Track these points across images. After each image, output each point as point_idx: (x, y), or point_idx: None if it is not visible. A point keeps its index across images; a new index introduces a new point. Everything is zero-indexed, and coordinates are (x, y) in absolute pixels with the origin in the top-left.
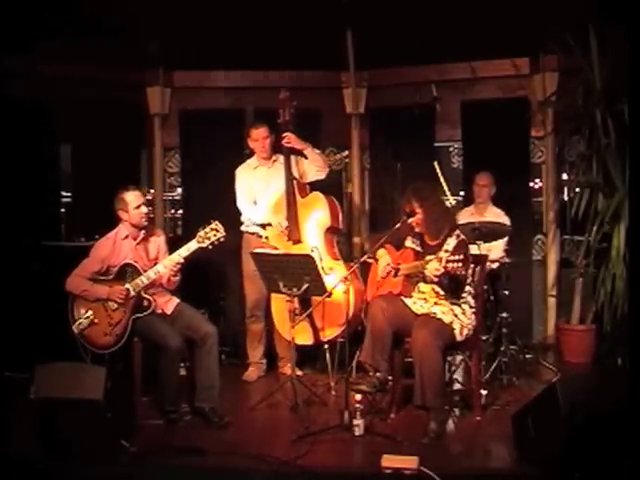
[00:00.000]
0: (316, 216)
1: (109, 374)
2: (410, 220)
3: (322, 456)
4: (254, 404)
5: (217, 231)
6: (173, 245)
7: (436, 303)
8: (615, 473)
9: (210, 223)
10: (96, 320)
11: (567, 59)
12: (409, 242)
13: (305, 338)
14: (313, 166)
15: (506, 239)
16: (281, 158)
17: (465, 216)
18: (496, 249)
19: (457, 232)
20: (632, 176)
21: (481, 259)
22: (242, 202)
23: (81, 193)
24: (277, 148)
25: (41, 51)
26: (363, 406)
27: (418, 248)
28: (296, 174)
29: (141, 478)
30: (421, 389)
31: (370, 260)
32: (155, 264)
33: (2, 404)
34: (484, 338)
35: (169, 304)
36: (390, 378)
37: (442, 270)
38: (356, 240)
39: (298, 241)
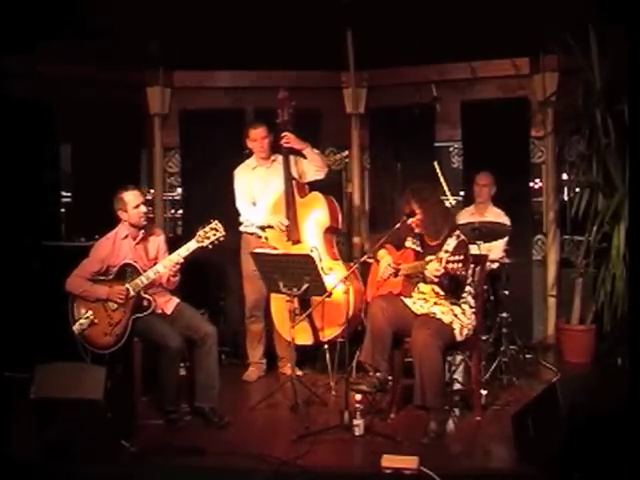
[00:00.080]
0: (315, 216)
1: (109, 374)
2: (410, 221)
3: (322, 456)
4: (254, 404)
5: (217, 231)
6: (173, 245)
7: (436, 303)
8: (615, 473)
9: (210, 223)
10: (96, 320)
11: (567, 59)
12: (409, 242)
13: (305, 338)
14: (312, 166)
15: (506, 239)
16: (280, 158)
17: (465, 216)
18: (496, 249)
19: (457, 232)
20: (632, 176)
21: (481, 259)
22: (241, 203)
23: (81, 193)
24: (276, 148)
25: (41, 51)
26: (363, 406)
27: (418, 248)
28: (295, 174)
29: (141, 478)
30: (421, 389)
31: (370, 260)
32: (155, 264)
33: (2, 404)
34: (484, 338)
35: (169, 304)
36: (390, 378)
37: (442, 270)
38: (356, 240)
39: (297, 241)
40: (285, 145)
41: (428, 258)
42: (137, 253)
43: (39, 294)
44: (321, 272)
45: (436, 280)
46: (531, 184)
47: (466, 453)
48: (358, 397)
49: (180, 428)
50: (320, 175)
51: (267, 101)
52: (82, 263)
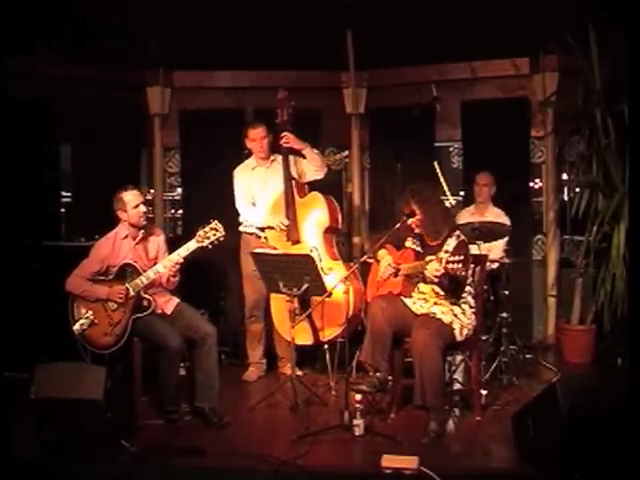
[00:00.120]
0: (315, 216)
1: (109, 374)
2: (410, 221)
3: (322, 456)
4: (254, 404)
5: (216, 231)
6: (173, 245)
7: (436, 303)
8: (615, 473)
9: (209, 223)
10: (96, 320)
11: (567, 59)
12: (409, 242)
13: (305, 338)
14: (311, 166)
15: (506, 239)
16: (279, 158)
17: (465, 216)
18: (496, 249)
19: (457, 233)
20: (632, 176)
21: (481, 259)
22: (241, 203)
23: (81, 193)
24: (275, 148)
25: (41, 51)
26: (363, 406)
27: (418, 248)
28: (294, 174)
29: (141, 478)
30: (421, 389)
31: (370, 260)
32: (155, 264)
33: (2, 404)
34: (484, 338)
35: (169, 304)
36: (390, 378)
37: (442, 270)
38: (356, 240)
39: (297, 241)
40: (284, 145)
41: (428, 258)
42: (137, 253)
43: (39, 294)
44: (321, 272)
45: (436, 280)
46: (531, 184)
47: (466, 453)
48: (358, 397)
49: (180, 428)
50: (320, 175)
51: (267, 101)
52: (82, 263)
